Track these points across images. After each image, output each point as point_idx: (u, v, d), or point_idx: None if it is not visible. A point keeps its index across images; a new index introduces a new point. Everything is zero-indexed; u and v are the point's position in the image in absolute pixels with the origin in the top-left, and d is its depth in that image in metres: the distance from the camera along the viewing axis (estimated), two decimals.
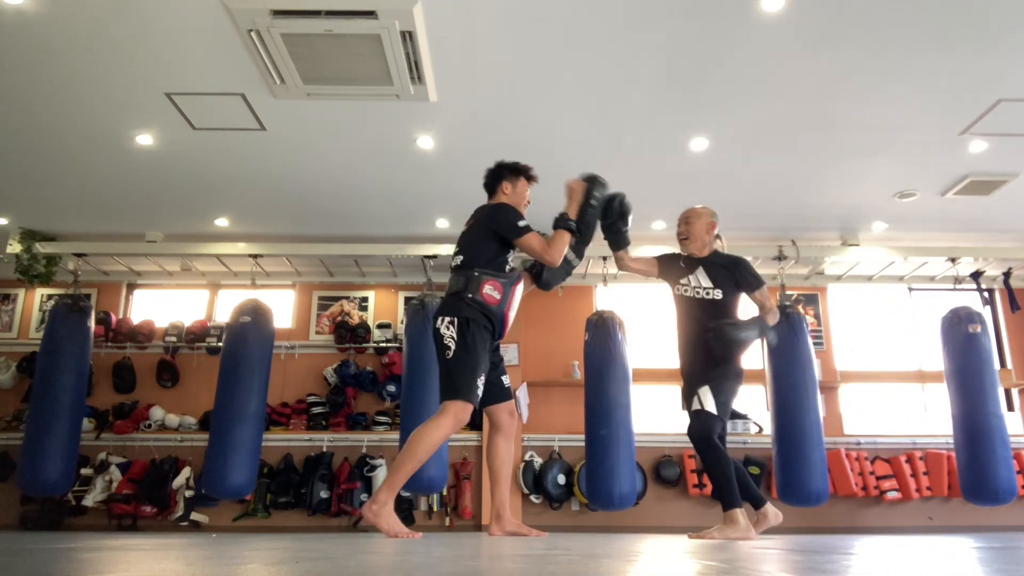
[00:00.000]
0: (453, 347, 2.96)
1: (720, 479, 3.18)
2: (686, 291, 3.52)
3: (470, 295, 3.00)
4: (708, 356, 3.35)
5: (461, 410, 2.93)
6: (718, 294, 3.44)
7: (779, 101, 4.02)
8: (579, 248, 3.24)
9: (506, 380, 3.25)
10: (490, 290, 3.01)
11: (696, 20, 3.35)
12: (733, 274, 3.46)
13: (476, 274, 3.03)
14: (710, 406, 3.23)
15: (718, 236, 3.63)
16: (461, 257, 3.12)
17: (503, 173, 3.29)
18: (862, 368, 6.45)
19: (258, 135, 4.36)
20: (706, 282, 3.48)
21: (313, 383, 6.28)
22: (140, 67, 3.70)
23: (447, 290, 3.11)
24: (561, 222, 3.12)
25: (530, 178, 3.34)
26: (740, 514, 3.14)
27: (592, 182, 3.25)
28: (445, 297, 3.10)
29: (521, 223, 3.09)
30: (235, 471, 4.72)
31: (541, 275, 3.31)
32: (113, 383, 6.21)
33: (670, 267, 3.62)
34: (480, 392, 2.98)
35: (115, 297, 6.52)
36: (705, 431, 3.20)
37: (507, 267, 3.13)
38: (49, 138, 4.40)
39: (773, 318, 3.44)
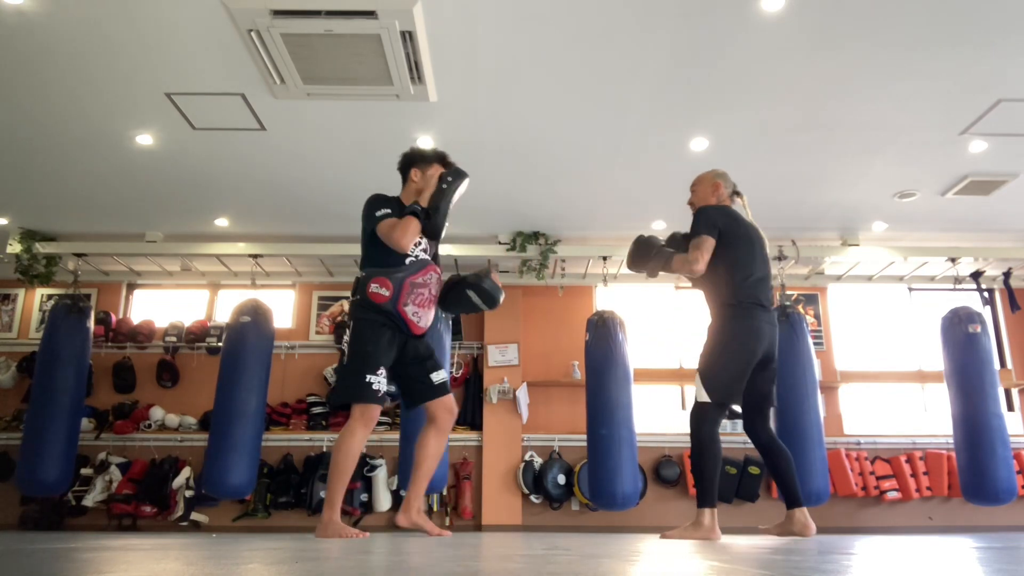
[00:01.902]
0: (346, 351, 3.00)
1: (698, 473, 3.02)
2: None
3: (357, 297, 3.01)
4: (707, 335, 3.14)
5: (364, 411, 2.93)
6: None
7: (779, 101, 4.02)
8: (432, 227, 3.04)
9: (438, 376, 3.12)
10: (376, 288, 2.95)
11: (696, 20, 3.36)
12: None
13: (363, 275, 3.02)
14: (700, 394, 3.04)
15: (737, 194, 3.37)
16: (362, 259, 3.12)
17: (413, 159, 3.19)
18: (862, 368, 6.45)
19: (258, 135, 4.36)
20: None
21: (313, 383, 6.28)
22: (140, 67, 3.70)
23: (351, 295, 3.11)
24: (407, 209, 3.02)
25: (446, 164, 3.20)
26: (708, 515, 2.97)
27: (446, 167, 3.14)
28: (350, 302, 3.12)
29: (380, 211, 3.01)
30: (235, 471, 4.72)
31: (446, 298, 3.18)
32: (113, 383, 6.21)
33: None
34: (379, 389, 2.91)
35: (115, 297, 6.52)
36: (693, 421, 3.04)
37: (407, 259, 3.00)
38: (49, 138, 4.40)
39: (680, 264, 3.12)
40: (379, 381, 2.93)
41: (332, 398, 3.05)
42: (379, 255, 3.02)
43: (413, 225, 2.96)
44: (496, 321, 6.28)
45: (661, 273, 3.40)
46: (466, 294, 3.09)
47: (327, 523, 2.91)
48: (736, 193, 3.36)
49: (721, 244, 3.08)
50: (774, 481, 3.23)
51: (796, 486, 3.11)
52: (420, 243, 3.06)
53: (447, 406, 3.15)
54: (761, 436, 3.18)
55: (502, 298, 3.15)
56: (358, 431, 2.94)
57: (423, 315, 3.04)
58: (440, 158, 3.20)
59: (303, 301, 6.56)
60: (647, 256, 3.29)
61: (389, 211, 3.00)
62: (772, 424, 4.36)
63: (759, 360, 3.05)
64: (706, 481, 3.00)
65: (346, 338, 3.03)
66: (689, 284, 3.43)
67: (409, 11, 3.17)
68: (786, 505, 3.13)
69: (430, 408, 3.14)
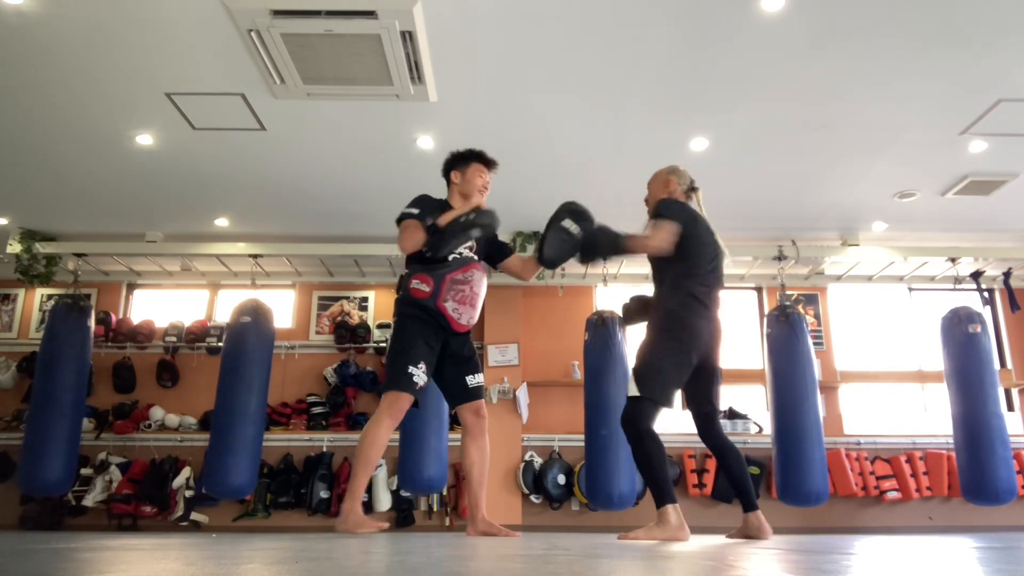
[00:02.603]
0: (389, 343, 3.04)
1: (644, 472, 2.87)
2: None
3: (400, 293, 3.07)
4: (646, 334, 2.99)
5: (394, 400, 2.94)
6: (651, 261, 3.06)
7: (779, 101, 4.02)
8: (432, 246, 2.97)
9: (473, 380, 3.13)
10: (417, 284, 3.00)
11: (696, 20, 3.36)
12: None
13: (406, 272, 3.09)
14: (631, 390, 2.90)
15: (694, 190, 3.21)
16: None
17: (451, 162, 3.24)
18: (862, 368, 6.45)
19: (258, 135, 4.36)
20: None
21: (313, 383, 6.28)
22: (140, 67, 3.70)
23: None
24: (428, 221, 3.00)
25: (487, 163, 3.22)
26: (672, 511, 2.81)
27: (482, 214, 2.99)
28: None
29: (407, 208, 3.06)
30: (235, 471, 4.72)
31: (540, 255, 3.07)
32: (113, 383, 6.21)
33: None
34: (418, 382, 2.93)
35: (115, 297, 6.52)
36: (626, 417, 2.90)
37: (450, 256, 3.02)
38: (49, 138, 4.40)
39: (636, 241, 2.99)
40: (419, 374, 2.94)
41: (382, 385, 3.22)
42: (420, 252, 3.03)
43: (415, 237, 2.97)
44: (496, 321, 6.28)
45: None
46: (560, 226, 3.03)
47: (347, 514, 2.89)
48: (693, 189, 3.22)
49: (680, 241, 2.94)
50: (730, 485, 3.06)
51: (751, 488, 2.97)
52: (451, 240, 3.03)
53: (474, 410, 3.15)
54: (715, 440, 3.02)
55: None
56: (384, 420, 2.92)
57: (464, 312, 3.04)
58: (478, 156, 3.21)
59: (303, 301, 6.56)
60: (600, 244, 3.10)
61: (416, 211, 3.04)
62: (772, 424, 4.22)
63: (698, 362, 2.93)
64: (658, 478, 2.84)
65: (390, 334, 3.08)
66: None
67: (409, 11, 3.17)
68: (743, 509, 2.95)
69: (460, 412, 3.16)
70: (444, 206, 3.14)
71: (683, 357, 2.89)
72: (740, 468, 2.98)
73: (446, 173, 3.26)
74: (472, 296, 3.06)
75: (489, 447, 3.22)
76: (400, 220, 3.05)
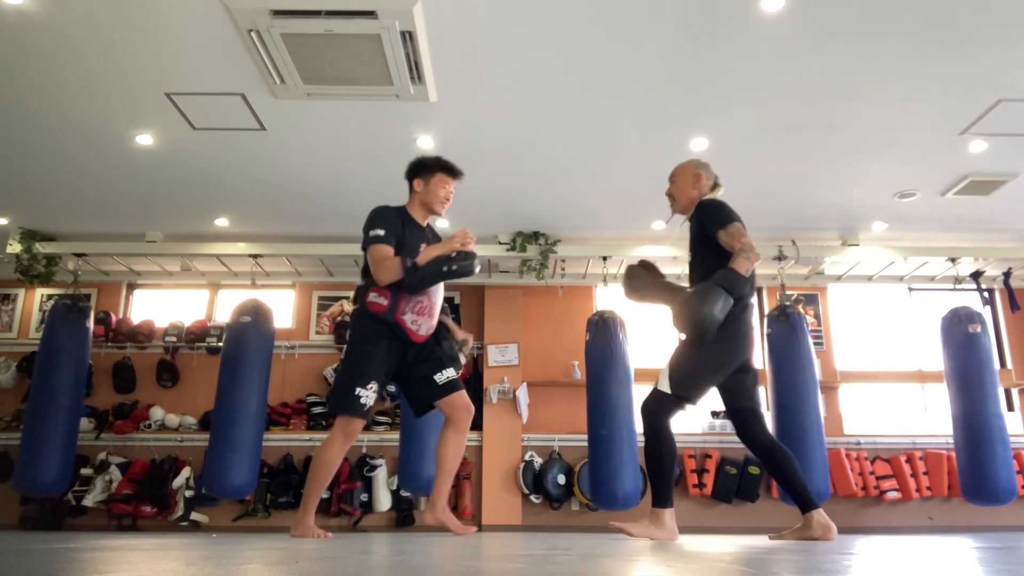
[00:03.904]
0: (343, 358, 3.05)
1: (653, 468, 2.83)
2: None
3: (357, 306, 3.07)
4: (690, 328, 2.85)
5: (346, 424, 2.96)
6: (690, 256, 3.02)
7: (779, 101, 4.02)
8: (407, 285, 2.96)
9: (445, 375, 3.11)
10: (375, 297, 2.99)
11: (696, 20, 3.36)
12: (700, 221, 2.95)
13: (362, 284, 3.08)
14: (662, 384, 2.87)
15: (718, 186, 3.11)
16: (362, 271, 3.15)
17: (414, 169, 3.21)
18: (862, 368, 6.45)
19: (258, 135, 4.36)
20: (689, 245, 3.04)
21: (313, 383, 6.28)
22: (140, 67, 3.70)
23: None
24: (405, 261, 2.95)
25: (451, 172, 3.20)
26: (668, 515, 2.82)
27: (462, 258, 2.98)
28: None
29: (373, 231, 3.01)
30: (235, 471, 4.72)
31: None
32: (113, 383, 6.21)
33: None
34: (366, 403, 2.93)
35: (115, 297, 6.52)
36: (649, 408, 2.88)
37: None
38: (49, 138, 4.40)
39: (744, 263, 2.77)
40: (367, 395, 2.94)
41: (332, 406, 3.28)
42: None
43: (392, 270, 2.94)
44: (496, 321, 6.28)
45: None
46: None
47: (298, 522, 2.99)
48: (717, 185, 3.12)
49: (719, 249, 2.85)
50: (781, 487, 2.98)
51: (806, 486, 2.87)
52: (420, 252, 3.07)
53: (459, 403, 3.13)
54: (762, 441, 2.98)
55: (476, 268, 3.02)
56: (337, 442, 2.97)
57: (423, 323, 3.05)
58: (443, 167, 3.19)
59: (303, 301, 6.56)
60: (645, 285, 3.11)
61: (382, 234, 3.01)
62: (772, 424, 4.15)
63: (739, 365, 2.92)
64: (664, 478, 2.82)
65: (345, 349, 3.07)
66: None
67: (409, 11, 3.17)
68: (801, 510, 2.85)
69: (442, 407, 3.15)
70: (403, 216, 3.13)
71: (725, 359, 2.88)
72: (791, 466, 2.87)
73: (409, 178, 3.23)
74: (430, 306, 3.08)
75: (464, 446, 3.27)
76: (367, 245, 3.01)
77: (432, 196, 3.18)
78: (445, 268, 2.94)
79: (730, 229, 2.83)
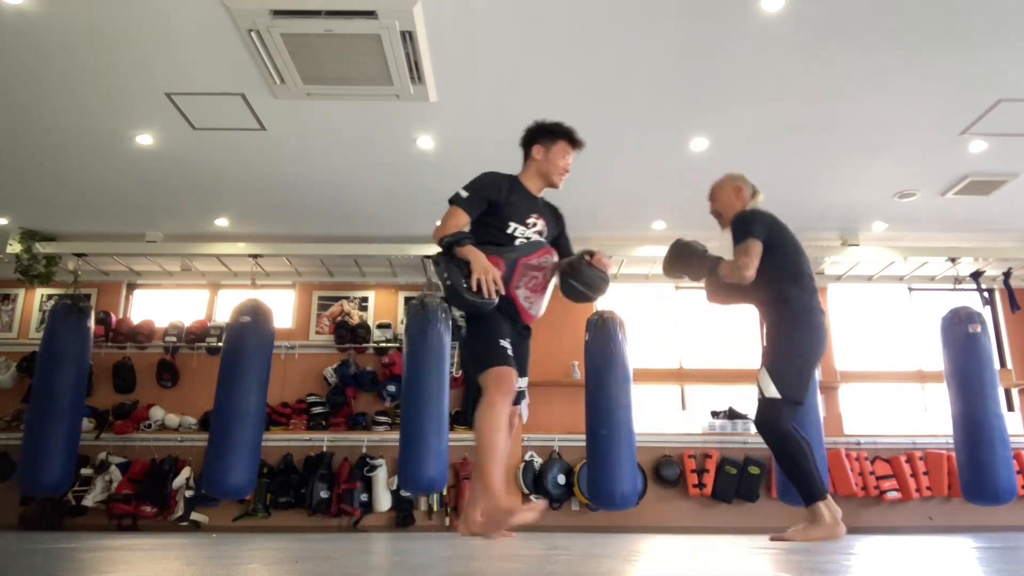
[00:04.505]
0: (464, 324, 2.67)
1: (793, 472, 2.82)
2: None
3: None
4: (767, 333, 3.05)
5: (498, 376, 2.55)
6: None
7: (779, 101, 4.02)
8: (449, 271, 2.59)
9: (524, 382, 2.85)
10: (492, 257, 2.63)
11: (696, 20, 3.36)
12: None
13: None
14: (770, 391, 2.90)
15: (756, 193, 3.23)
16: None
17: (537, 133, 2.90)
18: (862, 368, 6.44)
19: (258, 135, 4.36)
20: None
21: (313, 383, 6.27)
22: (140, 67, 3.70)
23: None
24: (459, 234, 2.65)
25: (575, 142, 2.91)
26: (824, 508, 2.77)
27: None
28: None
29: (461, 190, 2.74)
30: (235, 471, 4.71)
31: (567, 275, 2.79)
32: (113, 383, 6.21)
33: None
34: (512, 355, 2.60)
35: (115, 297, 6.52)
36: (765, 420, 2.90)
37: (516, 240, 2.71)
38: (49, 138, 4.40)
39: (729, 270, 2.96)
40: (510, 348, 2.61)
41: (468, 374, 2.79)
42: (485, 231, 2.72)
43: (443, 231, 2.65)
44: None
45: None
46: (568, 283, 2.79)
47: (495, 510, 2.45)
48: (756, 193, 3.25)
49: (773, 247, 2.97)
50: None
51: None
52: (535, 224, 2.80)
53: (518, 412, 2.86)
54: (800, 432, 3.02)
55: (605, 287, 2.77)
56: (498, 400, 2.55)
57: (535, 302, 2.74)
58: (568, 134, 2.91)
59: (303, 301, 6.55)
60: (688, 262, 3.19)
61: (465, 196, 2.72)
62: None
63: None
64: (806, 474, 2.81)
65: (459, 314, 2.69)
66: (701, 287, 3.32)
67: (409, 11, 3.17)
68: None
69: None
70: (513, 184, 2.84)
71: (817, 350, 2.98)
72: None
73: (527, 144, 2.93)
74: (545, 284, 2.77)
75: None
76: (450, 201, 2.73)
77: (552, 165, 2.88)
78: (441, 275, 2.60)
79: (742, 245, 2.95)
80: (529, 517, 2.41)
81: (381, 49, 3.41)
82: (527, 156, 2.94)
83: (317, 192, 5.15)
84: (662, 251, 3.63)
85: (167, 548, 2.03)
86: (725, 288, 3.19)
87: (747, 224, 2.99)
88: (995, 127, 4.20)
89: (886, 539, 3.14)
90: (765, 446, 3.09)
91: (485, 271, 2.55)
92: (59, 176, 4.89)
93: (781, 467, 2.90)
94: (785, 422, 2.87)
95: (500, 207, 2.74)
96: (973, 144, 4.42)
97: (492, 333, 2.61)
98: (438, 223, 2.71)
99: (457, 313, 2.69)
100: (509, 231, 2.74)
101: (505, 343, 2.61)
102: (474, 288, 2.53)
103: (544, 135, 2.91)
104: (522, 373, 2.81)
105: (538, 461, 5.92)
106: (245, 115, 4.12)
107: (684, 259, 3.21)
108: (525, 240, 2.73)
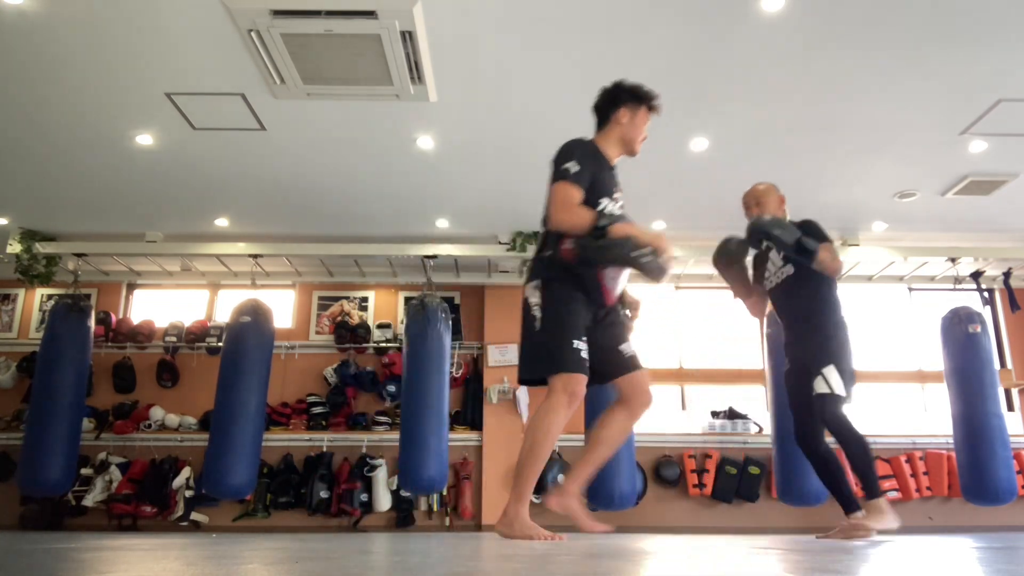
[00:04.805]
0: (539, 315, 2.46)
1: (864, 466, 2.97)
2: (772, 280, 3.35)
3: (548, 253, 2.52)
4: (818, 333, 3.17)
5: (569, 383, 2.41)
6: (789, 269, 3.23)
7: (779, 101, 4.02)
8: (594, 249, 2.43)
9: (628, 348, 2.63)
10: (572, 245, 2.45)
11: (696, 20, 3.36)
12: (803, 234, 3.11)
13: (553, 229, 2.51)
14: (839, 388, 3.00)
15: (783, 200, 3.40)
16: (543, 214, 2.60)
17: (622, 96, 2.67)
18: (862, 368, 6.41)
19: (258, 135, 4.36)
20: (779, 261, 3.29)
21: (313, 383, 6.28)
22: (140, 67, 3.70)
23: (535, 255, 2.61)
24: (607, 218, 2.45)
25: (652, 108, 2.73)
26: (884, 503, 2.95)
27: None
28: (532, 261, 2.60)
29: (566, 165, 2.47)
30: (235, 471, 4.72)
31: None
32: (113, 383, 6.21)
33: (758, 267, 3.44)
34: (586, 359, 2.44)
35: (115, 297, 6.52)
36: (836, 416, 3.01)
37: (601, 216, 2.50)
38: (49, 138, 4.40)
39: (831, 257, 3.09)
40: (585, 349, 2.44)
41: (529, 371, 2.52)
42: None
43: (581, 217, 2.43)
44: (496, 321, 6.29)
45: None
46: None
47: (514, 518, 2.41)
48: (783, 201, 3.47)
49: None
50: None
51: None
52: (620, 198, 2.64)
53: (641, 384, 2.60)
54: (821, 445, 3.26)
55: (663, 278, 2.54)
56: (562, 408, 2.41)
57: (619, 281, 2.59)
58: (653, 100, 2.72)
59: (303, 301, 6.56)
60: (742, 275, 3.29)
61: (576, 170, 2.48)
62: (772, 424, 4.41)
63: None
64: (873, 471, 3.01)
65: (534, 300, 2.50)
66: (726, 287, 3.45)
67: (409, 11, 3.17)
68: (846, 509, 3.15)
69: (621, 384, 2.61)
70: (597, 155, 2.62)
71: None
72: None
73: (610, 107, 2.69)
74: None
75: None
76: (556, 180, 2.49)
77: (636, 132, 2.68)
78: (634, 255, 2.38)
79: (830, 245, 3.15)
80: (540, 537, 2.33)
81: (381, 49, 3.41)
82: (607, 120, 2.68)
83: (317, 192, 5.15)
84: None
85: (167, 548, 2.03)
86: (762, 299, 3.40)
87: (821, 228, 3.22)
88: (995, 127, 4.20)
89: (886, 539, 3.14)
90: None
91: (658, 238, 2.43)
92: (59, 176, 4.89)
93: (852, 462, 3.00)
94: (847, 417, 3.04)
95: (593, 182, 2.54)
96: (973, 144, 4.42)
97: (569, 330, 2.44)
98: (556, 212, 2.47)
99: (533, 300, 2.50)
100: (600, 207, 2.53)
101: (580, 344, 2.44)
102: (659, 254, 2.40)
103: (630, 97, 2.68)
104: (626, 339, 2.66)
105: None
106: (245, 115, 4.12)
107: (737, 255, 3.27)
108: (610, 217, 2.50)
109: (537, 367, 2.49)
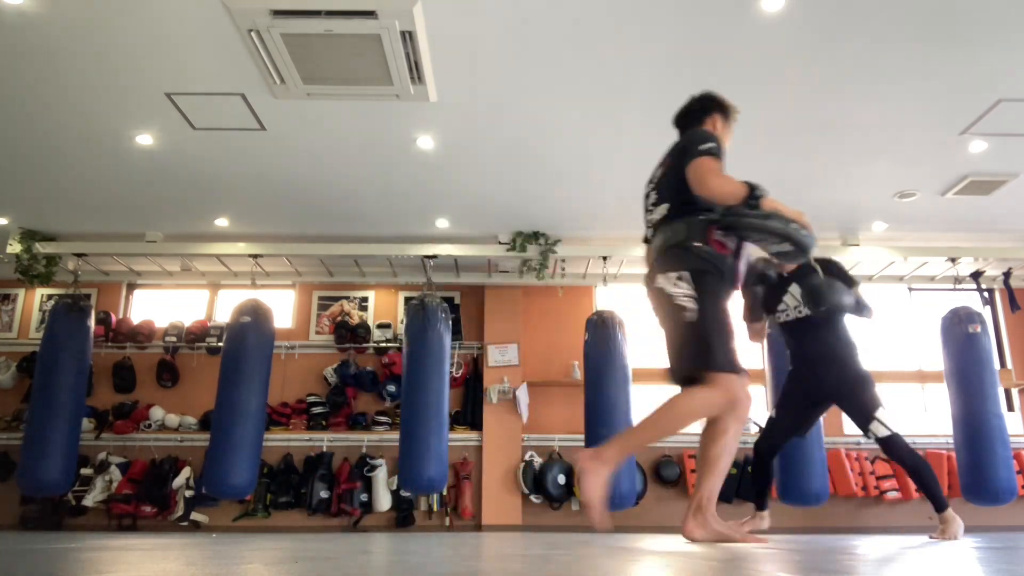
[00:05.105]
0: (694, 306, 2.34)
1: (931, 485, 3.31)
2: (788, 315, 3.45)
3: (697, 243, 2.40)
4: (852, 372, 3.31)
5: (737, 386, 2.33)
6: (808, 309, 3.33)
7: (779, 101, 4.02)
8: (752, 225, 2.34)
9: None
10: (721, 236, 2.39)
11: (696, 20, 3.36)
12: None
13: (701, 219, 2.42)
14: (894, 425, 3.25)
15: None
16: (667, 205, 2.52)
17: (715, 105, 2.69)
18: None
19: (258, 135, 4.36)
20: (798, 299, 3.39)
21: (313, 383, 6.28)
22: (140, 67, 3.70)
23: (664, 242, 2.49)
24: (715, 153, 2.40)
25: (733, 120, 2.78)
26: (952, 511, 3.30)
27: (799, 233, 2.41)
28: (665, 250, 2.48)
29: (707, 144, 2.42)
30: (235, 471, 4.72)
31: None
32: (113, 383, 6.21)
33: (770, 299, 3.50)
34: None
35: (115, 297, 6.52)
36: (903, 446, 3.25)
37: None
38: (49, 138, 4.40)
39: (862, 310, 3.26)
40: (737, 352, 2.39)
41: (688, 365, 2.39)
42: (710, 206, 2.42)
43: (736, 190, 2.35)
44: (496, 321, 6.28)
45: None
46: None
47: (708, 521, 2.42)
48: None
49: None
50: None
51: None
52: None
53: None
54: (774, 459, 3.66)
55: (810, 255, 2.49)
56: (717, 403, 2.36)
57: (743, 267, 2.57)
58: (733, 113, 2.75)
59: (303, 301, 6.56)
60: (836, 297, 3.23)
61: (716, 147, 2.44)
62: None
63: None
64: (939, 487, 3.37)
65: (681, 291, 2.39)
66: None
67: (409, 11, 3.17)
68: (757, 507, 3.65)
69: None
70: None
71: None
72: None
73: (703, 113, 2.69)
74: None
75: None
76: (698, 156, 2.42)
77: (725, 140, 2.67)
78: (781, 227, 2.32)
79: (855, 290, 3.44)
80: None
81: (381, 49, 3.41)
82: (699, 123, 2.68)
83: (317, 192, 5.15)
84: None
85: (167, 548, 2.03)
86: (763, 327, 3.55)
87: (845, 270, 3.48)
88: (995, 127, 4.20)
89: (886, 539, 3.14)
90: None
91: (800, 214, 2.40)
92: (59, 176, 4.89)
93: (921, 483, 3.33)
94: None
95: None
96: (973, 144, 4.42)
97: (728, 325, 2.36)
98: (708, 179, 2.38)
99: (680, 291, 2.39)
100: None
101: (735, 345, 2.37)
102: (803, 230, 2.35)
103: (721, 108, 2.71)
104: None
105: (538, 461, 5.92)
106: (245, 115, 4.12)
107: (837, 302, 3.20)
108: (764, 189, 2.44)
109: (696, 362, 2.37)
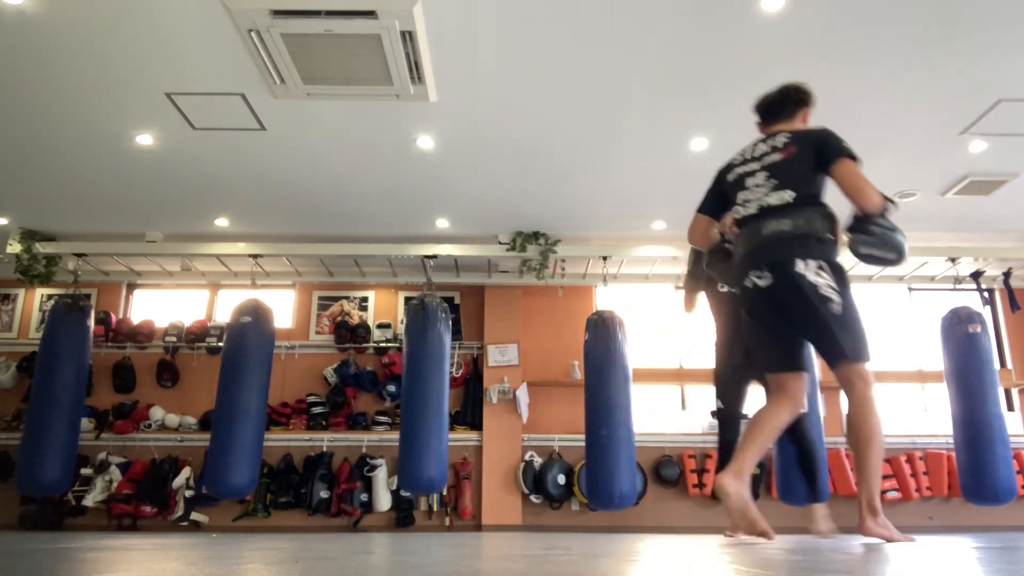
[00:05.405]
0: (839, 299, 2.43)
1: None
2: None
3: (831, 236, 2.52)
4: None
5: (869, 373, 2.45)
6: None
7: None
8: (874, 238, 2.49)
9: None
10: (859, 225, 2.50)
11: (696, 20, 3.36)
12: None
13: (829, 212, 2.51)
14: None
15: None
16: (792, 192, 2.52)
17: (811, 99, 2.75)
18: None
19: (258, 135, 4.36)
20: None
21: (313, 383, 6.28)
22: (140, 67, 3.70)
23: (795, 229, 2.52)
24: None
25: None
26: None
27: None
28: (798, 237, 2.52)
29: (849, 147, 2.51)
30: (236, 471, 4.72)
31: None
32: (113, 383, 6.21)
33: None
34: None
35: (115, 297, 6.52)
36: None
37: None
38: (49, 138, 4.40)
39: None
40: None
41: (846, 351, 2.47)
42: (822, 193, 2.54)
43: (879, 202, 2.51)
44: (496, 321, 6.28)
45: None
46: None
47: (883, 520, 2.55)
48: None
49: None
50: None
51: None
52: None
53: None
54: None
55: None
56: (874, 396, 2.48)
57: None
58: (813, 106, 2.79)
59: (303, 301, 6.56)
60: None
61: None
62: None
63: None
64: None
65: (823, 281, 2.48)
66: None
67: (409, 11, 3.17)
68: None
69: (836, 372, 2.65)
70: None
71: None
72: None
73: (799, 104, 2.76)
74: None
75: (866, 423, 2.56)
76: (855, 158, 2.54)
77: None
78: (900, 241, 2.52)
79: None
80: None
81: (381, 49, 3.41)
82: (793, 115, 2.74)
83: (317, 192, 5.15)
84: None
85: (167, 548, 2.03)
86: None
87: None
88: (995, 127, 4.20)
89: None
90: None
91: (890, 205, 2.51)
92: (59, 176, 4.89)
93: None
94: None
95: None
96: (973, 144, 4.42)
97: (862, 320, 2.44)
98: (865, 185, 2.51)
99: (822, 280, 2.47)
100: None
101: None
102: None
103: (811, 103, 2.76)
104: None
105: (538, 461, 5.92)
106: (245, 115, 4.12)
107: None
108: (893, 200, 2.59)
109: (851, 354, 2.44)
